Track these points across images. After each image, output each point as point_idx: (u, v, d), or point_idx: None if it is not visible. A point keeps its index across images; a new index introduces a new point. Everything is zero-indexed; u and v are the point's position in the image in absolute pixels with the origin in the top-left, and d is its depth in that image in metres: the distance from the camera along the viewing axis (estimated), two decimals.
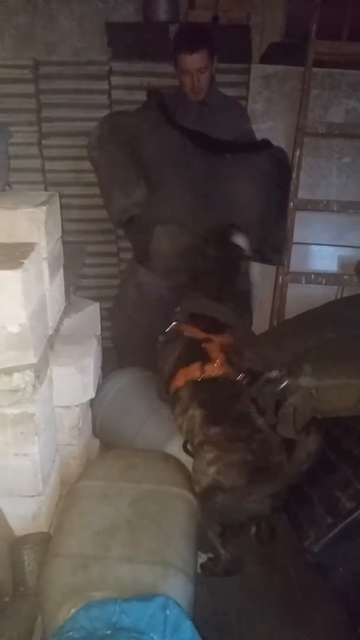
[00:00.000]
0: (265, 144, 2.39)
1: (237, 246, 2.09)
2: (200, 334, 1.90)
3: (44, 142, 2.86)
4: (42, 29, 3.00)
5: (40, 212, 1.60)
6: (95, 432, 2.14)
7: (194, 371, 1.78)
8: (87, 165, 2.66)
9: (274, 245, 2.45)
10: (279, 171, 2.39)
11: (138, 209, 2.33)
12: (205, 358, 1.81)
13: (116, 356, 2.66)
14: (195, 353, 1.84)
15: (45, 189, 2.91)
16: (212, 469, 1.59)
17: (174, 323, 2.00)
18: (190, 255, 2.22)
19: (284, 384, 1.88)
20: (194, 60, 2.20)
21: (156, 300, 2.47)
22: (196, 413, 1.71)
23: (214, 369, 1.79)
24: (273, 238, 2.43)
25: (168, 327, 2.04)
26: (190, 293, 2.09)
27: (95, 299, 2.34)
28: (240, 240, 2.10)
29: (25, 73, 2.73)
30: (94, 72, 2.76)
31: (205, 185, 2.26)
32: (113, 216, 2.42)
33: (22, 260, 1.45)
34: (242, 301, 2.15)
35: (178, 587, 1.40)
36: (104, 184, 2.44)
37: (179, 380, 1.80)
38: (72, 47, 2.99)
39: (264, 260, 2.49)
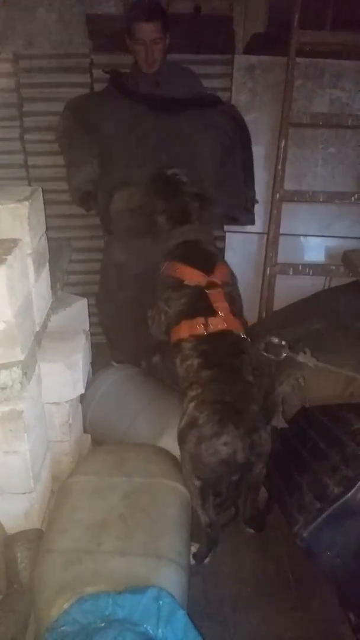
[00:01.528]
0: (216, 99, 2.43)
1: (173, 176, 2.12)
2: (202, 279, 1.90)
3: (26, 137, 2.82)
4: (20, 22, 2.95)
5: (23, 208, 1.59)
6: (86, 428, 2.13)
7: (198, 325, 1.79)
8: None
9: (245, 205, 2.47)
10: (235, 128, 2.41)
11: (90, 185, 2.39)
12: (209, 309, 1.82)
13: (107, 342, 2.70)
14: (200, 303, 1.85)
15: (29, 185, 2.87)
16: (191, 404, 1.64)
17: (164, 264, 2.00)
18: (144, 211, 2.23)
19: (284, 355, 1.90)
20: (149, 30, 2.23)
21: (135, 277, 2.48)
22: (194, 362, 1.75)
23: (218, 322, 1.80)
24: (242, 198, 2.46)
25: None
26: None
27: (82, 294, 2.33)
28: (176, 171, 2.14)
29: (5, 67, 2.69)
30: (75, 65, 2.72)
31: (161, 147, 2.30)
32: (71, 196, 2.48)
33: (5, 257, 1.44)
34: (203, 216, 2.15)
35: (171, 578, 1.41)
36: (66, 168, 2.50)
37: (183, 332, 1.81)
38: (52, 39, 2.95)
39: (235, 221, 2.54)
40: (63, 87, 2.72)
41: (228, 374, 1.70)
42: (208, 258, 2.01)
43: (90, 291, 2.71)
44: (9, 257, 1.43)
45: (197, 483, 1.64)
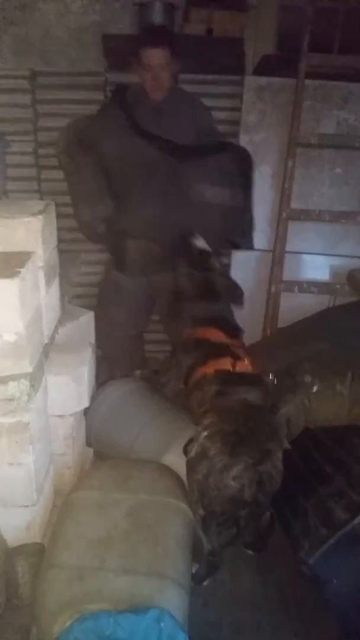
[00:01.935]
0: (219, 147, 2.42)
1: (202, 252, 2.16)
2: (225, 338, 1.92)
3: (40, 151, 2.87)
4: (39, 40, 3.02)
5: (37, 221, 1.60)
6: (88, 442, 2.12)
7: (225, 363, 1.78)
8: None
9: (243, 231, 2.48)
10: (240, 165, 2.41)
11: (102, 225, 2.37)
12: (235, 357, 1.81)
13: (104, 359, 2.68)
14: (224, 352, 1.84)
15: (41, 198, 2.91)
16: (204, 433, 1.60)
17: (188, 330, 2.01)
18: (163, 267, 2.29)
19: (315, 389, 1.90)
20: (156, 55, 2.22)
21: (133, 296, 2.53)
22: (213, 389, 1.72)
23: (244, 365, 1.79)
24: (241, 224, 2.46)
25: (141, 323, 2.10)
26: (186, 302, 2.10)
27: (89, 307, 2.34)
28: (201, 243, 2.18)
29: (22, 83, 2.75)
30: (90, 82, 2.78)
31: (168, 192, 2.30)
32: (81, 229, 2.47)
33: (18, 269, 1.45)
34: (230, 294, 2.18)
35: (174, 599, 1.39)
36: (71, 193, 2.47)
37: (208, 368, 1.79)
38: (69, 58, 3.01)
39: (235, 246, 2.56)
40: (77, 104, 2.77)
41: (245, 406, 1.66)
42: (233, 328, 2.03)
43: (95, 303, 2.72)
44: (22, 270, 1.45)
45: (202, 512, 1.62)
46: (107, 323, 2.57)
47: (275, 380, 1.82)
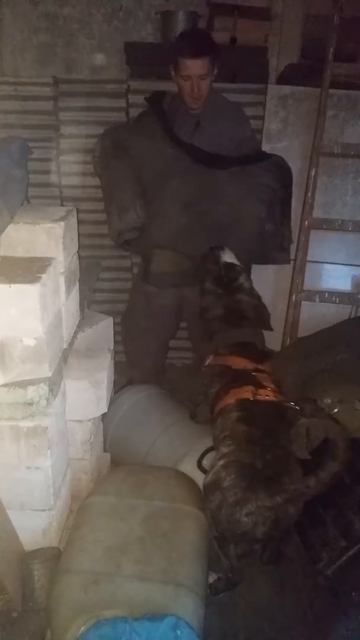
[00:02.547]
0: (262, 156, 2.37)
1: (231, 268, 2.08)
2: (249, 364, 1.85)
3: (61, 158, 2.89)
4: (62, 47, 3.06)
5: (59, 228, 1.62)
6: (105, 447, 2.13)
7: (246, 392, 1.71)
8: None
9: (280, 245, 2.43)
10: (279, 177, 2.35)
11: (132, 234, 2.32)
12: (257, 384, 1.75)
13: (127, 363, 2.70)
14: (247, 380, 1.78)
15: (62, 204, 2.94)
16: (220, 462, 1.56)
17: (212, 357, 1.93)
18: (191, 280, 2.25)
19: (336, 410, 1.86)
20: (196, 66, 2.14)
21: (163, 309, 2.51)
22: (234, 415, 1.66)
23: (267, 393, 1.72)
24: (279, 238, 2.41)
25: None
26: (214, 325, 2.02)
27: (108, 312, 2.36)
28: (229, 258, 2.09)
29: (45, 90, 2.77)
30: (112, 90, 2.80)
31: (201, 203, 2.25)
32: (111, 236, 2.43)
33: (40, 275, 1.47)
34: (258, 318, 2.12)
35: (189, 608, 1.39)
36: (104, 201, 2.45)
37: (230, 398, 1.72)
38: (91, 65, 3.05)
39: (272, 261, 2.49)
40: (99, 112, 2.80)
41: (266, 436, 1.58)
42: (259, 353, 1.94)
43: (115, 309, 2.74)
44: (44, 276, 1.46)
45: (216, 534, 1.59)
46: (134, 330, 2.58)
47: (297, 406, 1.76)
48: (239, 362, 1.87)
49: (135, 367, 2.64)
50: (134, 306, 2.59)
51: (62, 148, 2.88)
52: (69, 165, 2.90)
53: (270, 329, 2.12)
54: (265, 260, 2.45)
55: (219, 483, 1.52)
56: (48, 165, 2.89)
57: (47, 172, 2.89)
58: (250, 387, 1.73)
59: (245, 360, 1.87)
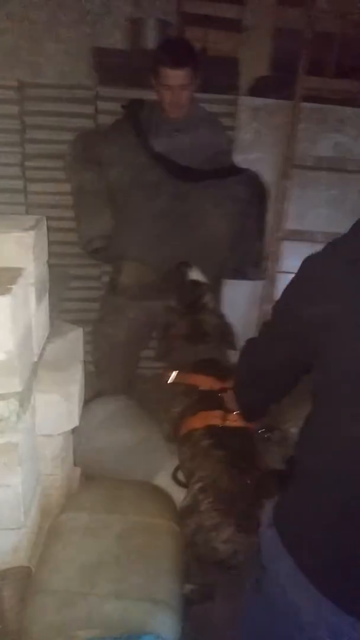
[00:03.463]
0: (236, 170, 2.36)
1: (196, 284, 2.06)
2: (215, 384, 1.83)
3: (26, 163, 2.83)
4: (27, 51, 3.00)
5: (29, 237, 1.57)
6: (76, 461, 2.08)
7: (215, 417, 1.69)
8: (69, 187, 2.66)
9: (255, 261, 2.45)
10: (253, 192, 2.35)
11: (101, 241, 2.30)
12: (224, 408, 1.72)
13: (95, 374, 2.64)
14: (213, 403, 1.75)
15: (27, 211, 2.88)
16: (197, 485, 1.55)
17: (175, 372, 1.91)
18: (158, 294, 2.23)
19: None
20: (177, 76, 2.11)
21: (133, 320, 2.48)
22: (205, 443, 1.64)
23: (236, 418, 1.69)
24: (252, 253, 2.43)
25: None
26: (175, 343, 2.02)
27: (76, 322, 2.30)
28: (195, 275, 2.08)
29: (9, 94, 2.72)
30: (80, 95, 2.76)
31: (172, 215, 2.23)
32: (81, 244, 2.42)
33: (9, 286, 1.42)
34: (222, 337, 2.10)
35: (167, 623, 1.37)
36: (74, 207, 2.43)
37: (197, 422, 1.70)
38: (58, 70, 3.00)
39: (244, 277, 2.50)
40: (67, 117, 2.76)
41: (241, 459, 1.59)
42: (222, 369, 1.92)
43: (84, 318, 2.68)
44: (14, 287, 1.41)
45: (193, 557, 1.57)
46: (105, 342, 2.54)
47: (264, 434, 1.75)
48: (205, 382, 1.85)
49: (104, 378, 2.60)
50: (104, 317, 2.56)
51: (27, 153, 2.82)
52: (35, 171, 2.85)
53: (234, 349, 2.09)
54: (237, 275, 2.45)
55: (196, 506, 1.50)
56: (13, 171, 2.83)
57: (12, 177, 2.83)
58: (219, 412, 1.71)
59: (210, 379, 1.85)
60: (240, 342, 2.06)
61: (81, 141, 2.36)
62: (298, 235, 2.62)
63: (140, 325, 2.50)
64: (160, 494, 1.78)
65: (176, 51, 2.18)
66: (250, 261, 2.42)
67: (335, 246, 1.12)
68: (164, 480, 1.86)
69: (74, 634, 1.30)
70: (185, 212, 2.23)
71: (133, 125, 2.29)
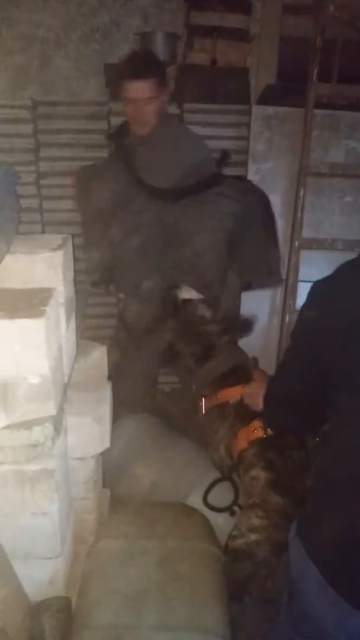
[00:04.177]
0: (216, 179, 2.23)
1: (188, 302, 2.02)
2: (241, 390, 1.78)
3: (41, 181, 2.82)
4: (38, 69, 3.00)
5: (58, 257, 1.54)
6: (105, 483, 2.03)
7: (255, 430, 1.65)
8: None
9: (269, 268, 2.38)
10: (244, 200, 2.24)
11: (100, 275, 2.29)
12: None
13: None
14: (249, 413, 1.70)
15: (43, 229, 2.86)
16: (253, 536, 1.51)
17: (203, 401, 1.86)
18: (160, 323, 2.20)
19: None
20: (137, 89, 2.04)
21: (148, 348, 2.40)
22: (260, 475, 1.59)
23: None
24: (266, 262, 2.36)
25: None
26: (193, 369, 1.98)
27: (93, 339, 2.26)
28: (186, 294, 2.03)
29: (23, 113, 2.71)
30: (93, 112, 2.75)
31: (157, 241, 2.19)
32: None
33: (43, 307, 1.38)
34: (229, 341, 2.04)
35: None
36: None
37: (241, 442, 1.66)
38: (69, 87, 2.99)
39: (261, 286, 2.45)
40: (80, 134, 2.74)
41: (300, 504, 1.51)
42: (241, 372, 1.87)
43: (101, 335, 2.64)
44: (47, 309, 1.37)
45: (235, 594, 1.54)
46: (119, 368, 2.47)
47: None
48: (232, 394, 1.79)
49: (120, 403, 2.51)
50: (117, 341, 2.49)
51: (42, 171, 2.80)
52: (50, 189, 2.83)
53: (248, 333, 2.10)
54: (253, 286, 2.40)
55: (251, 556, 1.49)
56: (28, 189, 2.81)
57: (27, 196, 2.81)
58: (258, 423, 1.66)
59: (236, 389, 1.79)
60: (261, 352, 2.03)
61: (82, 174, 2.35)
62: (317, 244, 2.58)
63: (155, 353, 2.44)
64: (195, 515, 1.72)
65: (137, 63, 2.12)
66: (263, 270, 2.36)
67: (345, 272, 1.18)
68: (196, 501, 1.81)
69: None
70: (168, 236, 2.17)
71: (120, 153, 2.26)
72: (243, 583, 1.50)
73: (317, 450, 1.33)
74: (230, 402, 1.81)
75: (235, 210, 2.21)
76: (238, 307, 2.51)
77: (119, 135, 2.32)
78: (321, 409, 1.28)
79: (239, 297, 2.50)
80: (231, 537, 1.56)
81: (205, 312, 2.00)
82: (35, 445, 1.41)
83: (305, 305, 1.24)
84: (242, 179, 2.41)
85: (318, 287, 1.19)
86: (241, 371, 1.88)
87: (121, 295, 2.47)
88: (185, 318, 1.98)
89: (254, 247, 2.32)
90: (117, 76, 2.76)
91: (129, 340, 2.40)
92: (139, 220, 2.20)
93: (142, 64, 2.13)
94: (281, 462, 1.60)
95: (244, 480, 1.66)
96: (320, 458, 1.25)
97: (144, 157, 2.23)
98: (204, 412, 1.84)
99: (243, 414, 1.74)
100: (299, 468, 1.61)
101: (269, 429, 1.63)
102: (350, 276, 1.17)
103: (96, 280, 2.32)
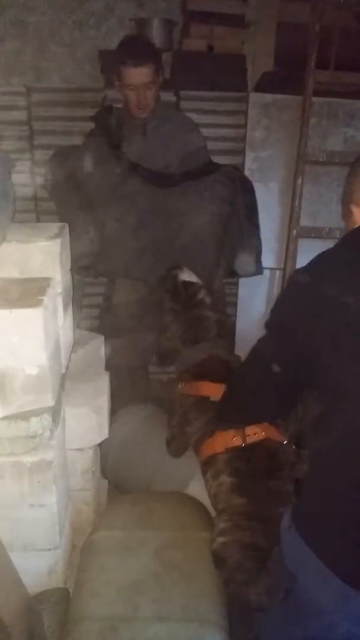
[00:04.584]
0: (212, 167, 2.29)
1: (189, 284, 1.99)
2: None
3: (36, 169, 2.77)
4: (32, 56, 2.95)
5: (55, 245, 1.52)
6: (104, 474, 2.02)
7: (235, 437, 1.60)
8: None
9: (251, 257, 2.38)
10: (234, 187, 2.28)
11: (87, 259, 2.25)
12: None
13: None
14: None
15: (37, 218, 2.83)
16: (220, 539, 1.48)
17: (182, 384, 1.80)
18: (152, 305, 2.16)
19: None
20: (140, 74, 2.08)
21: (129, 317, 2.40)
22: (226, 480, 1.56)
23: (256, 430, 1.60)
24: (247, 250, 2.36)
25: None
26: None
27: (90, 329, 2.25)
28: (187, 277, 2.00)
29: (17, 99, 2.66)
30: (88, 99, 2.71)
31: (152, 225, 2.18)
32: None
33: (40, 297, 1.36)
34: (223, 331, 2.02)
35: None
36: None
37: (218, 445, 1.61)
38: (64, 73, 2.95)
39: (245, 274, 2.44)
40: (76, 121, 2.69)
41: (263, 504, 1.51)
42: (221, 367, 1.81)
43: (96, 326, 2.62)
44: (45, 298, 1.35)
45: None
46: (108, 354, 2.45)
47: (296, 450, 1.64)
48: (216, 391, 1.71)
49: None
50: (104, 328, 2.46)
51: (37, 160, 2.76)
52: (44, 177, 2.78)
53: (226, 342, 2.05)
54: (235, 273, 2.39)
55: (224, 560, 1.45)
56: (22, 178, 2.76)
57: (22, 185, 2.76)
58: (240, 430, 1.61)
59: (221, 386, 1.70)
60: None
61: (56, 161, 2.30)
62: (315, 232, 2.56)
63: (141, 340, 2.42)
64: (193, 504, 1.71)
65: (137, 49, 2.14)
66: (246, 258, 2.36)
67: (325, 263, 1.17)
68: (196, 489, 1.80)
69: None
70: (165, 219, 2.18)
71: (105, 136, 2.24)
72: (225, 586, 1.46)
73: (311, 435, 1.31)
74: (211, 398, 1.75)
75: (229, 196, 2.26)
76: (223, 295, 2.51)
77: (104, 118, 2.31)
78: (297, 394, 1.32)
79: (224, 286, 2.51)
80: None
81: (205, 297, 1.99)
82: (33, 437, 1.40)
83: (289, 295, 1.26)
84: (232, 166, 2.42)
85: (301, 278, 1.18)
86: (222, 366, 1.83)
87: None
88: (185, 300, 1.95)
89: (241, 235, 2.33)
90: (112, 62, 2.78)
91: (114, 330, 2.38)
92: (134, 203, 2.19)
93: (142, 49, 2.15)
94: (246, 468, 1.58)
95: (211, 485, 1.63)
96: (315, 443, 1.24)
97: (139, 141, 2.24)
98: (180, 394, 1.80)
99: None
100: (267, 467, 1.60)
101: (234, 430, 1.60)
102: (335, 262, 1.17)
103: (86, 265, 2.28)
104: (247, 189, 2.35)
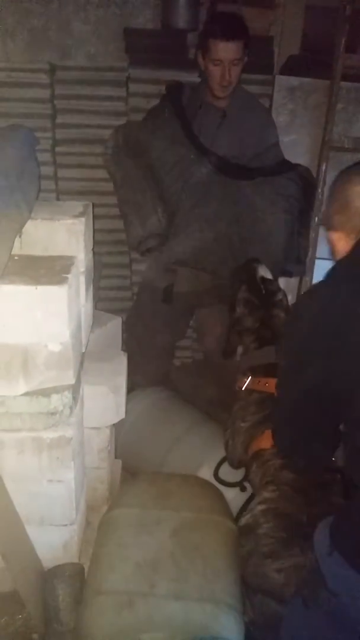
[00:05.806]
0: (288, 166, 2.28)
1: (269, 281, 1.94)
2: None
3: (57, 149, 2.76)
4: (56, 33, 2.90)
5: (80, 224, 1.52)
6: (117, 454, 2.03)
7: None
8: (100, 173, 2.59)
9: (298, 258, 2.38)
10: (304, 188, 2.28)
11: (154, 241, 2.20)
12: None
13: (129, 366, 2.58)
14: None
15: (57, 197, 2.81)
16: (260, 507, 1.46)
17: (250, 379, 1.76)
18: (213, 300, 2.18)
19: None
20: (229, 49, 2.02)
21: (174, 311, 2.39)
22: (277, 462, 1.52)
23: None
24: (295, 250, 2.35)
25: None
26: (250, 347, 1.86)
27: (107, 311, 2.24)
28: (264, 272, 1.96)
29: (41, 77, 2.63)
30: (112, 78, 2.67)
31: (225, 216, 2.14)
32: (130, 243, 2.32)
33: (65, 275, 1.37)
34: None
35: (229, 625, 1.32)
36: (121, 204, 2.31)
37: (266, 442, 1.57)
38: (88, 51, 2.91)
39: (288, 274, 2.43)
40: (98, 100, 2.67)
41: (314, 488, 1.45)
42: None
43: (114, 308, 2.62)
44: (69, 276, 1.36)
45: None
46: (141, 333, 2.45)
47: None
48: (269, 385, 1.68)
49: (138, 371, 2.49)
50: (142, 307, 2.47)
51: (58, 138, 2.74)
52: (65, 156, 2.77)
53: None
54: (282, 273, 2.35)
55: (255, 528, 1.42)
56: (43, 157, 2.74)
57: (42, 163, 2.73)
58: None
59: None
60: None
61: (123, 133, 2.25)
62: None
63: (178, 315, 2.43)
64: (210, 488, 1.72)
65: (229, 23, 2.09)
66: (293, 258, 2.33)
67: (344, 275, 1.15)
68: (206, 474, 1.81)
69: (136, 637, 1.25)
70: (238, 212, 2.13)
71: (177, 114, 2.17)
72: (244, 564, 1.43)
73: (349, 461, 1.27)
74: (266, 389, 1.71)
75: (299, 195, 2.26)
76: None
77: (176, 95, 2.25)
78: (337, 426, 1.25)
79: None
80: (241, 516, 1.55)
81: (284, 298, 1.94)
82: (53, 413, 1.41)
83: (309, 316, 1.19)
84: (305, 167, 2.38)
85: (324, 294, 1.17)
86: None
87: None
88: (265, 296, 1.89)
89: (292, 236, 2.31)
90: (137, 41, 2.74)
91: (152, 313, 2.38)
92: (208, 191, 2.14)
93: (235, 24, 2.11)
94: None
95: (256, 472, 1.59)
96: (353, 467, 1.21)
97: (215, 126, 2.20)
98: (243, 388, 1.76)
99: None
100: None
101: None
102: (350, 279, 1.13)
103: (152, 247, 2.22)
104: (311, 192, 2.35)
